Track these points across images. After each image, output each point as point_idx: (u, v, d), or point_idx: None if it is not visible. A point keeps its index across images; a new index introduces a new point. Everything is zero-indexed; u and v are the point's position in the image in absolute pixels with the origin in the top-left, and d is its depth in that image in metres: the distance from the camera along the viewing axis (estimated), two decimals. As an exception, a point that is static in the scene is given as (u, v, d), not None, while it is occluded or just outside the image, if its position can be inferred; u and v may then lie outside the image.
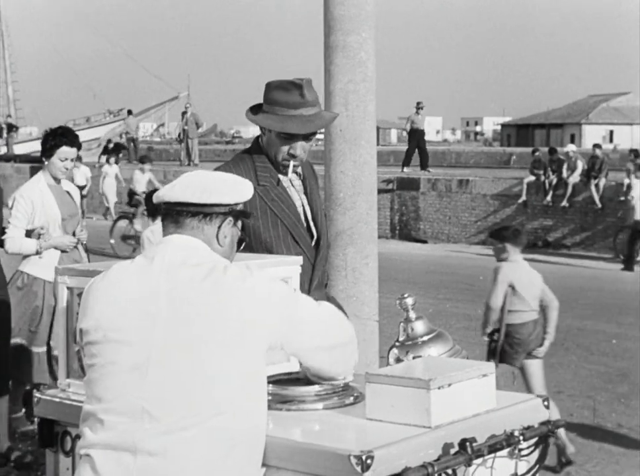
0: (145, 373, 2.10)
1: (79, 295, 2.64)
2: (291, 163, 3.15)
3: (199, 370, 2.08)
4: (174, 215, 2.27)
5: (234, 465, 2.10)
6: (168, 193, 2.27)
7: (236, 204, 2.29)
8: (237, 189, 2.29)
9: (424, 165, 21.78)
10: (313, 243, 3.25)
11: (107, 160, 22.93)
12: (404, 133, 22.98)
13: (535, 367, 5.60)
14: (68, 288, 2.68)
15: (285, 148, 3.15)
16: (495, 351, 5.65)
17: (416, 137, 21.83)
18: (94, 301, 2.22)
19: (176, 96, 34.35)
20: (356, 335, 2.36)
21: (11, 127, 32.76)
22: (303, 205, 3.26)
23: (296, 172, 3.26)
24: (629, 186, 15.79)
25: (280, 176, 3.21)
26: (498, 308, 5.65)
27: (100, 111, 35.02)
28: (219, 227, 2.27)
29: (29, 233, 5.27)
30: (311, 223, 3.26)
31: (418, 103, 22.09)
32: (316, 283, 3.23)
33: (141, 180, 16.98)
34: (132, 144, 28.29)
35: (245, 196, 2.31)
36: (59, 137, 5.32)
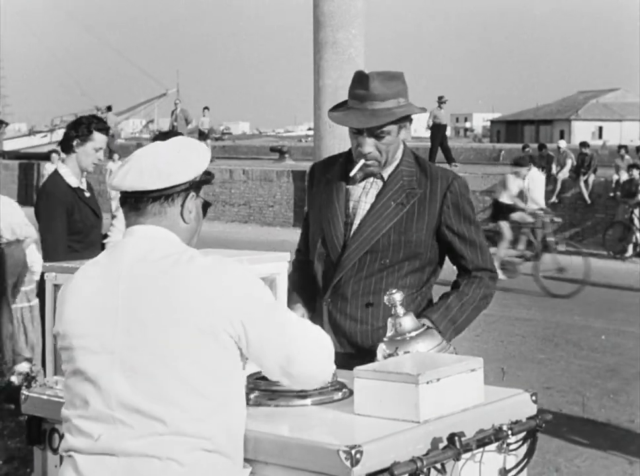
0: (111, 381, 2.03)
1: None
2: (361, 162, 2.86)
3: (168, 370, 2.01)
4: (133, 202, 2.15)
5: (215, 462, 2.05)
6: (122, 181, 2.13)
7: (195, 178, 2.17)
8: (192, 162, 2.15)
9: (450, 160, 21.10)
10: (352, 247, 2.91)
11: (110, 157, 21.92)
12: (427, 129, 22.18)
13: None
14: (55, 285, 2.67)
15: (355, 145, 2.89)
16: None
17: (439, 132, 21.19)
18: (62, 305, 2.17)
19: (164, 93, 34.25)
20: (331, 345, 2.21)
21: (0, 124, 32.57)
22: (354, 207, 2.95)
23: (380, 175, 2.94)
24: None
25: (350, 172, 2.93)
26: None
27: (87, 108, 34.86)
28: (183, 205, 2.16)
29: None
30: (354, 227, 2.93)
31: (440, 97, 21.38)
32: (333, 285, 2.91)
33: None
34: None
35: (202, 165, 2.18)
36: None
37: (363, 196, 2.96)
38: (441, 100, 21.37)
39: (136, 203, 2.14)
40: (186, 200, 2.16)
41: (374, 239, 2.90)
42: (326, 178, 3.03)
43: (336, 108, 2.95)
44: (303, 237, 3.15)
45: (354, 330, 2.92)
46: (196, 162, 2.17)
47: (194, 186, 2.17)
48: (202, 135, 26.03)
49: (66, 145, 4.88)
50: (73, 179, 4.86)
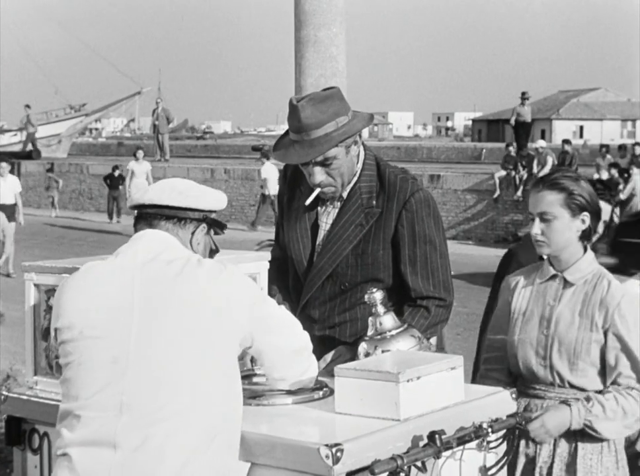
0: (124, 367, 2.10)
1: (47, 292, 2.62)
2: (316, 190, 2.78)
3: (176, 363, 2.10)
4: (148, 218, 2.27)
5: (214, 457, 2.10)
6: (142, 196, 2.28)
7: (210, 212, 2.31)
8: (212, 197, 2.31)
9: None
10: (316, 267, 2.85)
11: (134, 155, 19.18)
12: (510, 127, 20.28)
13: None
14: (35, 285, 2.66)
15: (307, 175, 2.78)
16: None
17: (524, 130, 19.97)
18: (68, 300, 2.21)
19: (139, 92, 33.44)
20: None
21: None
22: (318, 228, 2.88)
23: (341, 197, 2.83)
24: None
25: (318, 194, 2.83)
26: None
27: (61, 106, 34.21)
28: (193, 233, 2.29)
29: None
30: (317, 249, 2.86)
31: (523, 93, 20.00)
32: (301, 307, 2.87)
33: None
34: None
35: (219, 204, 2.33)
36: None
37: (324, 217, 2.88)
38: (524, 96, 19.99)
39: (151, 219, 2.27)
40: (197, 230, 2.29)
41: (335, 262, 2.82)
42: (295, 190, 2.92)
43: (279, 140, 2.84)
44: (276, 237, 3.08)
45: (321, 353, 2.73)
46: (215, 198, 2.32)
47: (207, 220, 2.31)
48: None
49: None
50: None
